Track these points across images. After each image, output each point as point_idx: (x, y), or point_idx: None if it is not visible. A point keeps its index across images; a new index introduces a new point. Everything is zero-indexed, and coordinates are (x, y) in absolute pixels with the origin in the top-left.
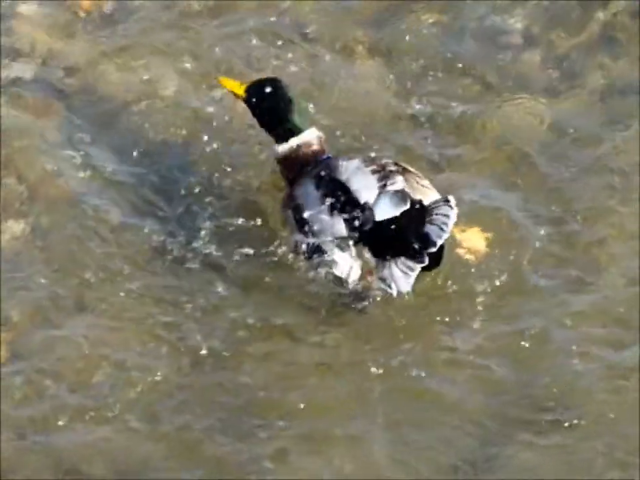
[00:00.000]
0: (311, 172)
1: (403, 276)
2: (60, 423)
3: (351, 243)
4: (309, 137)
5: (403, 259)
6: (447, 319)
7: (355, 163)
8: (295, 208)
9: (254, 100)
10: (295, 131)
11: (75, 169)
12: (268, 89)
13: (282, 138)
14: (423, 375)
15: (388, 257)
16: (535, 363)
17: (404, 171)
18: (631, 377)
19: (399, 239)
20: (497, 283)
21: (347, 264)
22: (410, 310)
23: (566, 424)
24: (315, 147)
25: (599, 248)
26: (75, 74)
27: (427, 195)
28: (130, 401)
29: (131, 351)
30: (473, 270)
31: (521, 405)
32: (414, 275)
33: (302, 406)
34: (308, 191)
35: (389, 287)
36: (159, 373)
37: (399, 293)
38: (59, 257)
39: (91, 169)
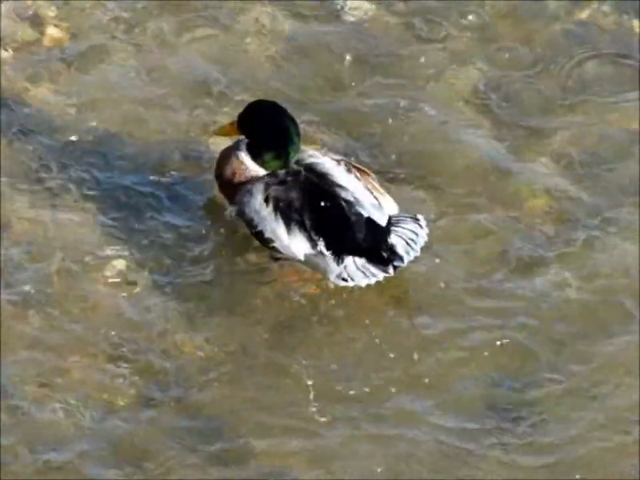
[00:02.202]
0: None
1: (361, 275)
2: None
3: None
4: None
5: (364, 261)
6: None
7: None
8: (240, 213)
9: (249, 133)
10: (291, 156)
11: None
12: (256, 118)
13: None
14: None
15: (346, 254)
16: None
17: (357, 170)
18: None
19: (366, 241)
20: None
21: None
22: (392, 331)
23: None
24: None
25: None
26: (37, 111)
27: (383, 196)
28: (88, 447)
29: (89, 393)
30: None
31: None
32: (374, 280)
33: (270, 446)
34: (257, 202)
35: (345, 280)
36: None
37: (356, 285)
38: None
39: (54, 199)
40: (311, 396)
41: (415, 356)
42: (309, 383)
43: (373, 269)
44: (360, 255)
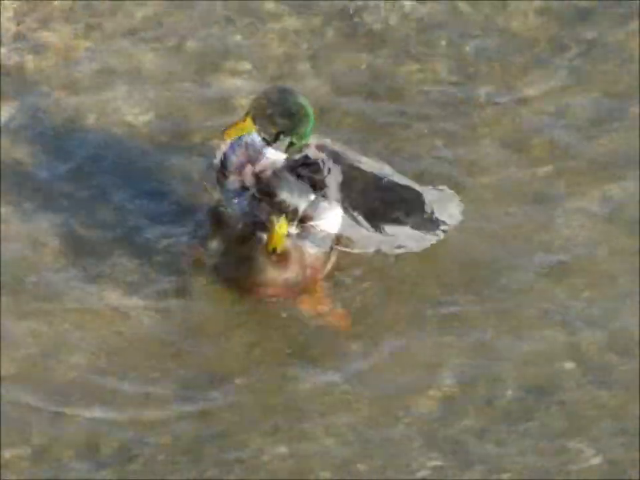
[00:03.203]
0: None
1: (414, 242)
2: None
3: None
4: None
5: (411, 228)
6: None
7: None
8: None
9: (267, 120)
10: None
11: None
12: (273, 103)
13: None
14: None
15: (394, 223)
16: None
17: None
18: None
19: (415, 208)
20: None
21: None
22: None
23: None
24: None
25: None
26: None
27: None
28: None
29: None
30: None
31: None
32: (428, 244)
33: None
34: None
35: (400, 248)
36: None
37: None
38: None
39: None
40: (316, 413)
41: (416, 372)
42: (308, 395)
43: (424, 234)
44: (409, 223)
